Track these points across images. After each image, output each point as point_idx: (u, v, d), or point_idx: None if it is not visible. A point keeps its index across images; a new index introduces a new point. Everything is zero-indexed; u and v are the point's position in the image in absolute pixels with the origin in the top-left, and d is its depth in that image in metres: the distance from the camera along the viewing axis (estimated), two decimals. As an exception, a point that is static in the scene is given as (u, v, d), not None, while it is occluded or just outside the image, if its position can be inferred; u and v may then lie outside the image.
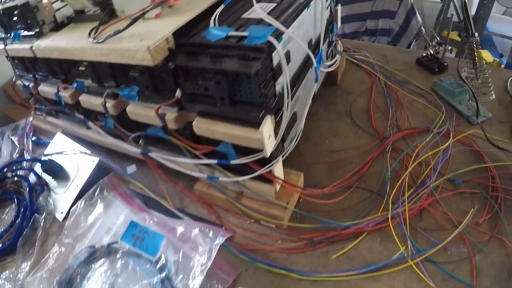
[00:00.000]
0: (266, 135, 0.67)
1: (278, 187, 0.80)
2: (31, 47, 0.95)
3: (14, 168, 1.14)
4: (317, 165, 0.91)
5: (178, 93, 0.74)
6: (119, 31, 0.73)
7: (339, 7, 1.09)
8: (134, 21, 0.72)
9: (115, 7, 0.83)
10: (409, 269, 0.68)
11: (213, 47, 0.66)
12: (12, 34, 1.02)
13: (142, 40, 0.68)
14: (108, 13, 0.84)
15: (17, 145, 1.27)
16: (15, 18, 0.98)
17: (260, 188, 0.80)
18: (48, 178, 1.07)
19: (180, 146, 0.84)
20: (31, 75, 1.13)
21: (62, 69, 1.00)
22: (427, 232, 0.73)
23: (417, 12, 2.09)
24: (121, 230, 0.81)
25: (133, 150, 0.93)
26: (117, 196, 0.91)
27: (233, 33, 0.66)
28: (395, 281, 0.68)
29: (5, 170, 1.13)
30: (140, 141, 0.93)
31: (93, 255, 0.80)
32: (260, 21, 0.70)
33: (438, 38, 1.23)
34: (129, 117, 0.89)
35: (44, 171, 1.05)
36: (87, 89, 0.95)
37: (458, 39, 2.06)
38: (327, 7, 0.97)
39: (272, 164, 0.74)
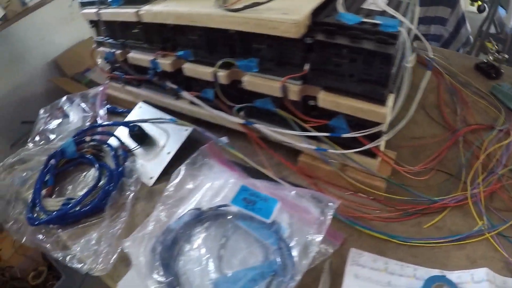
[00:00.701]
0: (389, 109, 0.76)
1: (378, 162, 0.88)
2: (137, 12, 0.99)
3: (92, 133, 1.15)
4: (402, 148, 1.00)
5: (306, 67, 0.79)
6: (258, 3, 0.79)
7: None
8: None
9: None
10: (486, 240, 0.77)
11: (351, 29, 0.73)
12: (112, -3, 1.03)
13: (286, 14, 0.75)
14: None
15: (89, 112, 1.28)
16: None
17: (365, 161, 0.87)
18: (131, 144, 1.07)
19: (288, 119, 0.90)
20: (120, 43, 1.15)
21: (163, 37, 1.04)
22: (498, 212, 0.82)
23: (467, 21, 2.18)
24: (229, 194, 0.84)
25: (235, 121, 0.97)
26: (219, 163, 0.93)
27: (366, 19, 0.72)
28: (476, 250, 0.77)
29: (84, 134, 1.17)
30: (241, 113, 0.96)
31: (199, 217, 0.83)
32: (383, 13, 0.76)
33: (496, 46, 1.29)
34: (231, 89, 0.95)
35: (131, 136, 1.08)
36: (194, 57, 0.97)
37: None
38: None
39: (381, 140, 0.82)
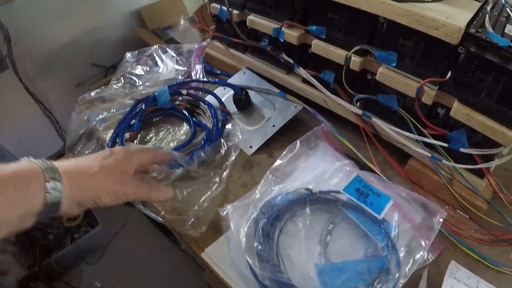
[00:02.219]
0: None
1: (485, 182, 0.91)
2: None
3: (190, 87, 1.16)
4: (497, 177, 0.97)
5: (449, 75, 0.83)
6: (421, 0, 0.83)
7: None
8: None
9: None
10: None
11: (502, 50, 0.75)
12: None
13: (448, 18, 0.78)
14: None
15: (182, 66, 1.29)
16: None
17: (473, 179, 0.90)
18: (231, 108, 1.08)
19: (408, 120, 0.93)
20: (240, 3, 1.18)
21: (295, 7, 1.06)
22: None
23: None
24: (342, 182, 0.89)
25: (353, 110, 1.01)
26: (332, 149, 0.96)
27: None
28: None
29: (181, 86, 1.20)
30: (358, 104, 0.99)
31: (308, 198, 0.87)
32: None
33: None
34: (359, 77, 0.99)
35: (235, 100, 1.10)
36: (326, 36, 0.99)
37: None
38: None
39: (495, 162, 0.86)
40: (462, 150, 0.86)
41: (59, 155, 2.12)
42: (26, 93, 1.83)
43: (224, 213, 0.85)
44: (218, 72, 1.34)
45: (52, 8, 1.82)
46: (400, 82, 0.90)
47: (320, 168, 0.92)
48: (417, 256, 0.76)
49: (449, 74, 0.83)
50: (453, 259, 0.83)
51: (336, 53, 0.98)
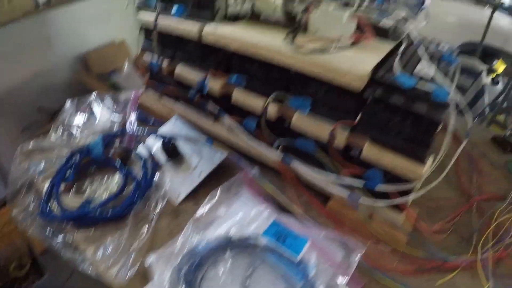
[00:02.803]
0: (426, 169, 0.84)
1: (404, 216, 0.95)
2: (200, 30, 1.07)
3: (122, 138, 1.19)
4: (420, 207, 1.05)
5: (358, 117, 0.87)
6: (327, 50, 0.88)
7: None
8: (346, 48, 0.89)
9: (310, 24, 0.95)
10: None
11: (405, 92, 0.81)
12: (175, 8, 1.13)
13: (352, 66, 0.83)
14: (295, 27, 0.98)
15: (116, 114, 1.33)
16: None
17: (391, 214, 0.94)
18: (160, 157, 1.12)
19: (326, 163, 0.96)
20: (169, 55, 1.22)
21: (218, 59, 1.11)
22: (503, 277, 0.89)
23: (486, 94, 2.31)
24: (260, 226, 0.90)
25: (272, 155, 1.03)
26: (253, 194, 0.97)
27: (419, 85, 0.80)
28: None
29: (114, 137, 1.22)
30: (279, 149, 1.02)
31: (228, 244, 0.87)
32: (432, 80, 0.83)
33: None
34: (274, 123, 1.02)
35: (164, 149, 1.11)
36: (246, 85, 1.03)
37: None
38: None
39: (410, 195, 0.89)
40: (377, 188, 0.89)
41: (3, 203, 2.08)
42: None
43: (149, 261, 0.85)
44: (152, 121, 1.35)
45: (-1, 57, 1.84)
46: (313, 127, 0.94)
47: (240, 214, 0.93)
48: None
49: (359, 117, 0.87)
50: (376, 292, 0.84)
51: (254, 102, 1.02)
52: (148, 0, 1.22)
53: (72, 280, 2.08)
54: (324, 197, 1.03)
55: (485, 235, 0.99)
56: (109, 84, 1.88)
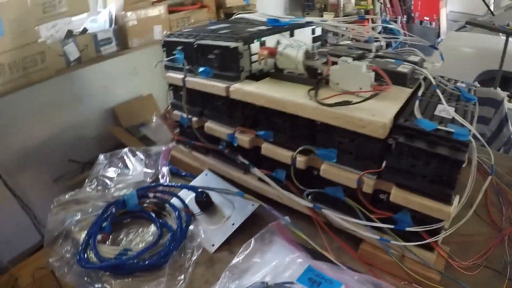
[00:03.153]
0: (453, 210, 0.86)
1: (435, 255, 0.96)
2: (227, 88, 1.15)
3: (156, 190, 1.25)
4: (452, 244, 1.06)
5: (384, 164, 0.92)
6: (349, 103, 0.93)
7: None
8: (367, 99, 0.93)
9: (331, 78, 1.01)
10: None
11: (428, 135, 0.85)
12: (202, 69, 1.21)
13: (374, 115, 0.88)
14: (317, 82, 1.05)
15: (148, 169, 1.40)
16: (211, 56, 1.19)
17: (423, 254, 0.95)
18: (194, 209, 1.17)
19: (355, 208, 1.01)
20: (198, 111, 1.31)
21: (245, 115, 1.19)
22: None
23: (509, 122, 2.31)
24: (295, 273, 0.93)
25: (304, 204, 1.08)
26: (286, 242, 1.02)
27: (441, 127, 0.85)
28: None
29: (148, 190, 1.28)
30: (309, 197, 1.08)
31: None
32: (452, 120, 0.89)
33: None
34: (302, 173, 1.08)
35: (197, 201, 1.17)
36: (274, 139, 1.10)
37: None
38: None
39: (441, 236, 0.92)
40: (407, 229, 0.92)
41: (37, 248, 2.15)
42: (4, 187, 1.92)
43: None
44: (183, 173, 1.42)
45: (30, 110, 1.97)
46: (341, 176, 0.99)
47: (274, 262, 0.96)
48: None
49: (384, 164, 0.91)
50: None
51: (283, 155, 1.08)
52: (175, 60, 1.30)
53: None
54: (355, 241, 1.06)
55: None
56: (138, 136, 1.97)
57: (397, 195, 0.92)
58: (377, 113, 0.89)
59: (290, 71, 1.14)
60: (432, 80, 1.06)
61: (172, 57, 1.32)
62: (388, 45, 1.44)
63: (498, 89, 2.41)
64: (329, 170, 1.01)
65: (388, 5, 6.03)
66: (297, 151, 1.04)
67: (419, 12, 5.96)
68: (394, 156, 0.90)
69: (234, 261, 0.99)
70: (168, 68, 1.39)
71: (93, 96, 2.24)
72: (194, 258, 1.06)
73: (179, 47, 1.30)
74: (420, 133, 0.86)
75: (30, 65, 1.81)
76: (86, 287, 1.01)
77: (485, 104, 2.32)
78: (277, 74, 1.17)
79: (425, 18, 5.91)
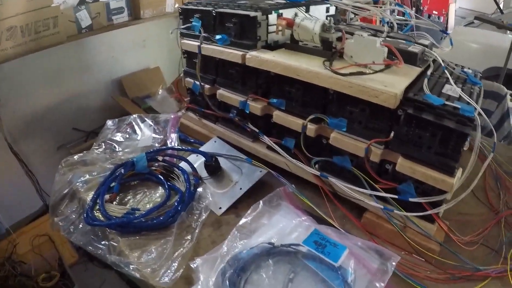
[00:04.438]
0: (456, 181, 0.91)
1: (436, 227, 1.01)
2: (244, 55, 1.20)
3: (165, 154, 1.29)
4: (451, 221, 1.13)
5: (392, 134, 0.97)
6: (362, 73, 0.99)
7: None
8: (380, 71, 1.00)
9: (345, 51, 1.07)
10: None
11: (436, 108, 0.91)
12: (219, 37, 1.25)
13: (386, 86, 0.93)
14: (332, 54, 1.10)
15: (157, 135, 1.44)
16: (229, 24, 1.24)
17: (424, 225, 1.01)
18: (203, 174, 1.22)
19: (361, 177, 1.06)
20: (211, 79, 1.36)
21: (258, 83, 1.24)
22: None
23: (511, 116, 2.39)
24: (301, 235, 0.98)
25: (311, 171, 1.14)
26: (292, 207, 1.08)
27: (448, 102, 0.91)
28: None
29: (158, 153, 1.32)
30: (316, 166, 1.13)
31: (271, 251, 0.96)
32: (459, 98, 0.95)
33: None
34: (312, 142, 1.14)
35: (206, 166, 1.23)
36: (285, 107, 1.15)
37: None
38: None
39: (442, 207, 0.97)
40: (411, 199, 0.98)
41: (38, 215, 2.20)
42: (9, 152, 1.96)
43: (194, 265, 0.93)
44: (192, 140, 1.47)
45: (38, 75, 2.00)
46: (350, 145, 1.03)
47: (281, 224, 1.02)
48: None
49: (392, 134, 0.97)
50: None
51: (294, 122, 1.13)
52: (192, 27, 1.34)
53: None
54: (359, 211, 1.11)
55: None
56: (144, 108, 2.01)
57: (403, 165, 0.97)
58: (389, 85, 0.93)
59: (305, 43, 1.19)
60: (441, 62, 1.11)
61: (188, 24, 1.37)
62: (400, 29, 1.48)
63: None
64: (339, 138, 1.06)
65: (398, -2, 6.07)
66: (308, 119, 1.10)
67: (428, 5, 6.00)
68: (402, 127, 0.96)
69: (242, 221, 1.04)
70: (183, 35, 1.43)
71: (101, 65, 2.27)
72: (201, 219, 1.11)
73: (197, 15, 1.34)
74: (429, 106, 0.91)
75: (42, 29, 1.83)
76: (92, 244, 1.05)
77: (488, 97, 2.38)
78: (293, 45, 1.21)
79: (434, 12, 5.95)
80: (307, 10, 1.35)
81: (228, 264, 0.92)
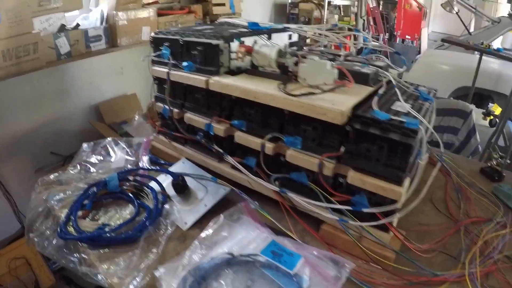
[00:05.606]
0: (405, 190, 0.99)
1: (390, 236, 1.07)
2: (207, 80, 1.29)
3: (136, 174, 1.37)
4: (409, 232, 1.20)
5: (342, 149, 1.06)
6: (313, 93, 1.09)
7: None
8: (328, 91, 1.10)
9: (299, 74, 1.16)
10: None
11: (381, 123, 0.99)
12: (185, 64, 1.35)
13: (334, 105, 1.02)
14: (287, 77, 1.20)
15: (130, 157, 1.52)
16: (194, 52, 1.34)
17: (379, 234, 1.07)
18: (171, 193, 1.30)
19: (317, 191, 1.13)
20: (179, 103, 1.45)
21: (222, 106, 1.33)
22: None
23: (477, 132, 2.51)
24: (259, 246, 1.05)
25: (271, 187, 1.21)
26: (252, 220, 1.16)
27: (394, 117, 0.99)
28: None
29: (129, 173, 1.40)
30: (276, 182, 1.21)
31: (230, 261, 1.03)
32: (407, 114, 1.03)
33: (500, 153, 1.61)
34: (272, 160, 1.21)
35: (173, 185, 1.30)
36: (246, 128, 1.24)
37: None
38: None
39: (394, 216, 1.03)
40: (364, 210, 1.05)
41: (15, 237, 2.24)
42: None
43: (158, 274, 0.99)
44: (162, 162, 1.54)
45: (20, 97, 2.09)
46: (305, 161, 1.12)
47: (240, 236, 1.09)
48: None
49: (342, 149, 1.05)
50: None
51: (254, 142, 1.21)
52: (161, 55, 1.44)
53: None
54: (317, 225, 1.18)
55: (472, 252, 1.12)
56: (120, 133, 2.09)
57: (354, 177, 1.05)
58: (337, 103, 1.03)
59: (264, 69, 1.29)
60: (393, 80, 1.21)
61: (159, 52, 1.46)
62: (359, 53, 1.59)
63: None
64: (294, 155, 1.14)
65: (372, 23, 6.29)
66: (266, 138, 1.18)
67: (401, 31, 6.24)
68: (351, 142, 1.04)
69: (203, 234, 1.12)
70: (154, 62, 1.52)
71: (79, 91, 2.36)
72: (167, 233, 1.18)
73: (166, 43, 1.44)
74: (375, 121, 1.00)
75: (22, 54, 1.92)
76: (64, 258, 1.11)
77: (454, 115, 2.53)
78: (253, 70, 1.32)
79: (407, 36, 6.19)
80: (269, 38, 1.46)
81: (189, 273, 0.98)
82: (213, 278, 0.99)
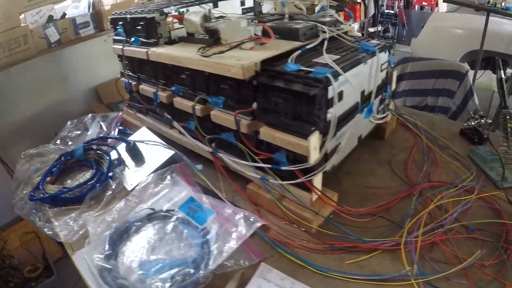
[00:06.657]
0: (312, 145, 0.94)
1: (314, 197, 1.03)
2: (147, 52, 1.34)
3: (100, 143, 1.48)
4: (352, 194, 1.15)
5: (254, 105, 1.06)
6: (222, 52, 1.10)
7: (394, 72, 1.38)
8: (233, 47, 1.11)
9: (221, 36, 1.18)
10: (410, 286, 0.83)
11: (287, 75, 0.97)
12: (133, 39, 1.42)
13: (239, 60, 1.02)
14: (214, 40, 1.21)
15: (105, 129, 1.63)
16: (138, 27, 1.40)
17: (300, 194, 1.04)
18: (127, 158, 1.39)
19: (244, 151, 1.14)
20: (136, 76, 1.53)
21: (165, 74, 1.37)
22: (434, 262, 0.88)
23: (475, 94, 2.30)
24: (179, 202, 1.11)
25: (206, 149, 1.25)
26: (183, 179, 1.21)
27: (303, 68, 0.97)
28: (396, 294, 0.84)
29: (93, 143, 1.50)
30: (213, 144, 1.25)
31: (151, 215, 1.10)
32: (325, 65, 1.00)
33: (481, 112, 1.43)
34: (208, 122, 1.23)
35: (126, 150, 1.39)
36: (182, 93, 1.29)
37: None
38: (383, 69, 1.28)
39: (313, 175, 0.98)
40: (283, 168, 1.03)
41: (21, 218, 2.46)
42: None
43: (88, 226, 1.09)
44: (129, 132, 1.63)
45: (20, 86, 2.27)
46: (225, 119, 1.14)
47: (164, 192, 1.16)
48: (225, 256, 0.94)
49: (254, 105, 1.05)
50: (277, 265, 0.93)
51: (187, 106, 1.25)
52: (118, 33, 1.54)
53: (78, 286, 2.41)
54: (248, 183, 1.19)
55: (416, 218, 1.00)
56: (116, 111, 2.20)
57: (265, 133, 1.04)
58: (243, 59, 1.02)
59: (198, 35, 1.33)
60: (327, 34, 1.17)
61: (115, 31, 1.55)
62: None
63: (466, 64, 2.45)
64: (217, 114, 1.17)
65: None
66: (195, 100, 1.22)
67: (418, -2, 5.93)
68: (260, 97, 1.04)
69: (132, 192, 1.20)
70: (115, 41, 1.60)
71: (77, 75, 2.51)
72: (113, 192, 1.28)
73: (120, 23, 1.52)
74: (281, 73, 0.97)
75: (14, 46, 2.10)
76: (32, 215, 1.25)
77: (449, 77, 2.36)
78: (188, 38, 1.36)
79: (423, 3, 5.88)
80: (216, 6, 1.48)
81: (113, 226, 1.07)
82: (135, 230, 1.07)
